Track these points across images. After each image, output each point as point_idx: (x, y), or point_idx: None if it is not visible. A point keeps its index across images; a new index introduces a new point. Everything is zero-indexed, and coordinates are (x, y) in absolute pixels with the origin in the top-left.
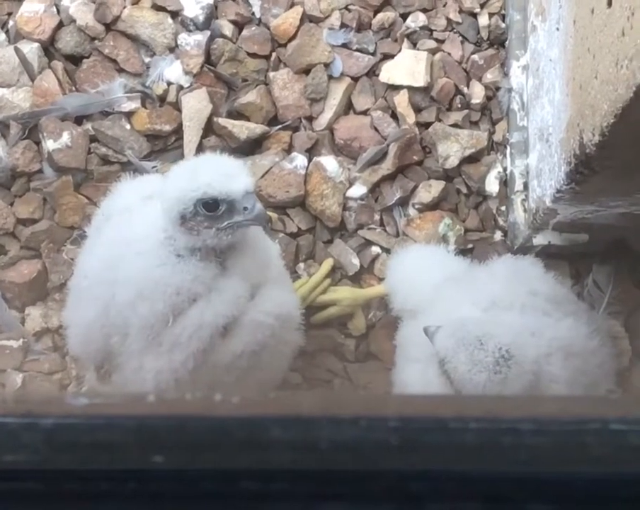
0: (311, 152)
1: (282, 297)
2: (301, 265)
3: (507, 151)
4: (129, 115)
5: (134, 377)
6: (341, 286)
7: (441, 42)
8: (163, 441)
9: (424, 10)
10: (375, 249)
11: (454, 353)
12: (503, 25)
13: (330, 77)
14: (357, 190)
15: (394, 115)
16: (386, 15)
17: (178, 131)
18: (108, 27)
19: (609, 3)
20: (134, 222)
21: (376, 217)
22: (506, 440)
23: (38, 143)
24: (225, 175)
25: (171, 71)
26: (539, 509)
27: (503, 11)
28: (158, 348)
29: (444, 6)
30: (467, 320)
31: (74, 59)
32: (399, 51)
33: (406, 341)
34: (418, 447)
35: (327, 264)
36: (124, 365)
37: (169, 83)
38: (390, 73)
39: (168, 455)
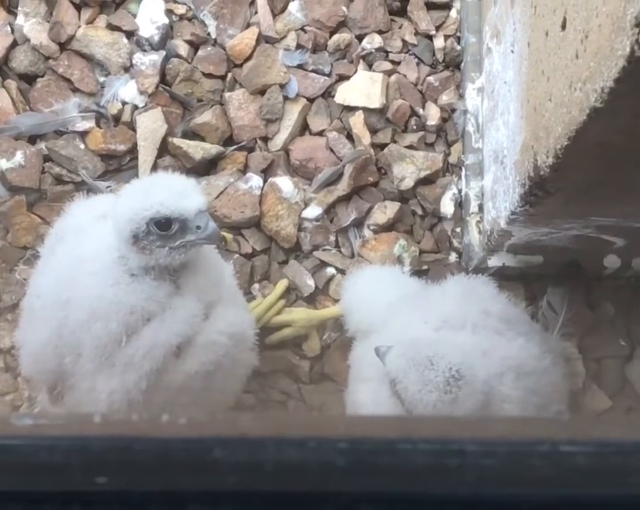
0: (266, 173)
1: (237, 317)
2: (256, 285)
3: (463, 173)
4: (83, 134)
5: (87, 398)
6: (296, 307)
7: (397, 63)
8: (107, 462)
9: (380, 32)
10: (330, 270)
11: (404, 374)
12: (459, 48)
13: (286, 98)
14: (313, 211)
15: (350, 136)
16: (342, 37)
17: (133, 151)
18: (63, 46)
19: (563, 26)
20: (87, 242)
21: (332, 238)
22: (455, 462)
23: None
24: (178, 194)
25: (126, 90)
26: None
27: (458, 34)
28: (112, 369)
29: (399, 28)
30: (418, 340)
31: (28, 79)
32: (355, 72)
33: (358, 362)
34: (366, 468)
35: (281, 285)
36: (76, 386)
37: (124, 103)
38: (345, 94)
39: (112, 476)
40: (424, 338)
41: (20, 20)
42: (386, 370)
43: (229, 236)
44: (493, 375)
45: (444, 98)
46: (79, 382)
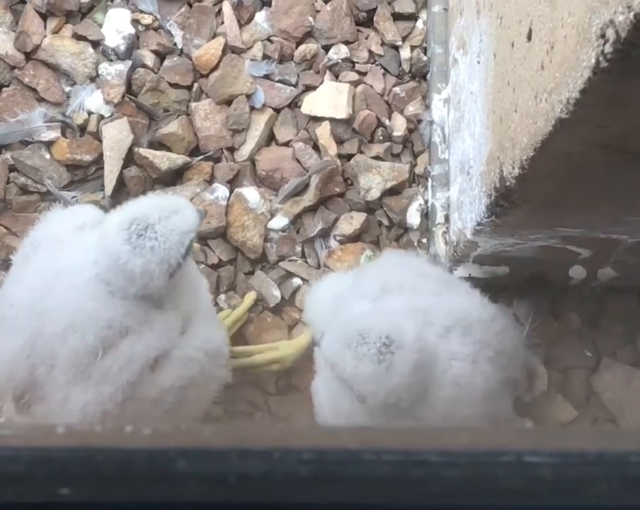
0: (232, 183)
1: (212, 333)
2: (222, 296)
3: (429, 183)
4: (49, 144)
5: (60, 410)
6: (280, 341)
7: (363, 74)
8: (70, 473)
9: (346, 43)
10: (296, 281)
11: (340, 355)
12: (425, 58)
13: (252, 108)
14: (279, 222)
15: (316, 147)
16: (309, 47)
17: (99, 161)
18: (28, 56)
19: (529, 37)
20: (66, 254)
21: (298, 248)
22: (419, 473)
23: None
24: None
25: (92, 100)
26: None
27: (424, 44)
28: (87, 381)
29: (366, 38)
30: (349, 318)
31: None
32: (321, 83)
33: (318, 363)
34: (331, 479)
35: (250, 298)
36: (48, 397)
37: (90, 113)
38: (312, 104)
39: (75, 487)
40: (356, 314)
41: None
42: (324, 357)
43: (196, 246)
44: (434, 333)
45: (411, 109)
46: (51, 394)
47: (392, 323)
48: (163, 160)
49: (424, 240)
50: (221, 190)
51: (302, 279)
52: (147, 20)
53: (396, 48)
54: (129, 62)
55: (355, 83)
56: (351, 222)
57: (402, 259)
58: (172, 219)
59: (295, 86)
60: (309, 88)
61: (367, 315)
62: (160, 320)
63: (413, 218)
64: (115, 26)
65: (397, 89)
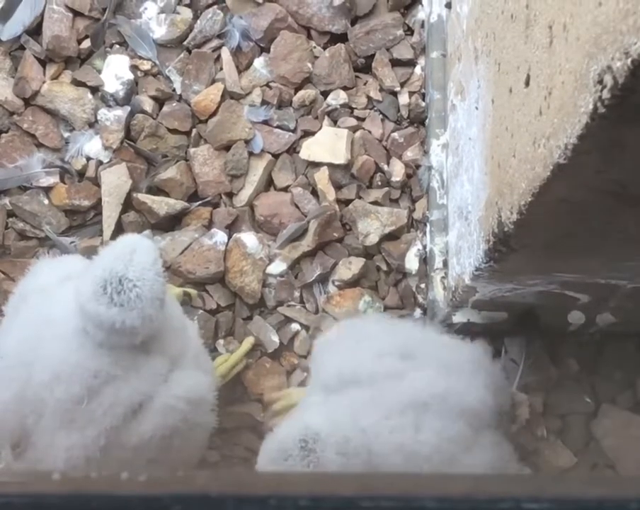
0: (231, 228)
1: (195, 380)
2: (221, 341)
3: (427, 228)
4: (47, 190)
5: (46, 455)
6: (292, 387)
7: (361, 119)
8: None
9: (345, 88)
10: (295, 326)
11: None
12: (423, 104)
13: (251, 154)
14: (277, 267)
15: (315, 192)
16: (307, 93)
17: (97, 206)
18: (27, 102)
19: (527, 83)
20: (51, 304)
21: (296, 293)
22: None
23: None
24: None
25: (91, 146)
26: None
27: (422, 90)
28: (71, 425)
29: (364, 84)
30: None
31: None
32: (320, 128)
33: None
34: None
35: (248, 342)
36: (36, 443)
37: (88, 159)
38: (310, 150)
39: None
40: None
41: None
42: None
43: (193, 292)
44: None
45: (409, 154)
46: (39, 440)
47: (300, 424)
48: (162, 205)
49: (422, 285)
50: (219, 236)
51: (301, 324)
52: (146, 66)
53: (395, 94)
54: (128, 108)
55: (353, 129)
56: (349, 268)
57: (367, 331)
58: (135, 259)
59: (294, 131)
60: (308, 134)
61: (282, 427)
62: (146, 365)
63: (412, 263)
64: (114, 72)
65: (395, 135)
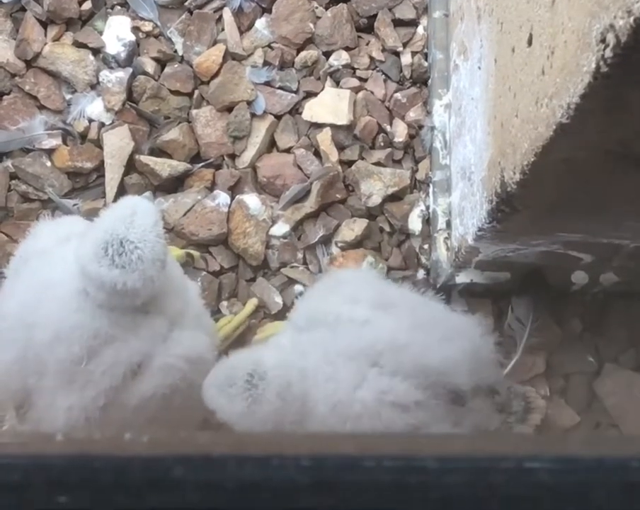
0: (233, 190)
1: (195, 340)
2: (224, 303)
3: (430, 189)
4: (49, 152)
5: (46, 415)
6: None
7: (364, 80)
8: (68, 481)
9: (347, 49)
10: (298, 287)
11: (213, 399)
12: (426, 64)
13: (253, 115)
14: (280, 229)
15: (317, 153)
16: (309, 54)
17: (100, 169)
18: (29, 63)
19: (530, 42)
20: (52, 266)
21: (299, 255)
22: (418, 479)
23: None
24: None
25: (93, 108)
26: None
27: (425, 50)
28: (71, 385)
29: (367, 44)
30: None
31: None
32: (322, 89)
33: None
34: (330, 486)
35: (251, 304)
36: (37, 403)
37: (90, 121)
38: (313, 111)
39: (73, 495)
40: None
41: None
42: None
43: (196, 254)
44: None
45: (412, 115)
46: (39, 400)
47: (255, 358)
48: (164, 167)
49: (425, 246)
50: (222, 197)
51: (304, 286)
52: (147, 27)
53: (397, 54)
54: (130, 69)
55: (355, 90)
56: (352, 229)
57: (345, 279)
58: (136, 220)
59: (296, 92)
60: (310, 95)
61: (237, 356)
62: (145, 326)
63: (415, 224)
64: (116, 33)
65: (398, 95)
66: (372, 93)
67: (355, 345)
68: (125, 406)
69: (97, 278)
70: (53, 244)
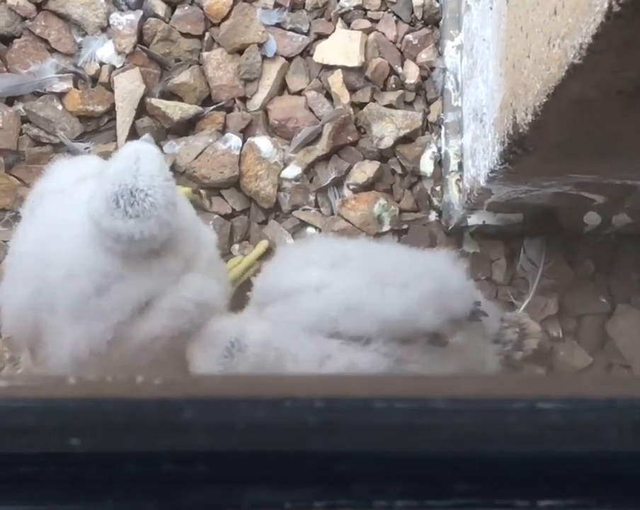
0: (245, 133)
1: (206, 285)
2: (236, 246)
3: (442, 131)
4: (61, 95)
5: (54, 349)
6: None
7: (375, 21)
8: (80, 424)
9: None
10: (310, 230)
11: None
12: (437, 5)
13: (264, 57)
14: (292, 171)
15: (329, 96)
16: None
17: (111, 112)
18: (39, 6)
19: None
20: (67, 204)
21: (311, 197)
22: (431, 420)
23: None
24: None
25: (103, 51)
26: (464, 489)
27: None
28: (80, 320)
29: None
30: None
31: (5, 39)
32: (333, 31)
33: None
34: (342, 428)
35: (262, 246)
36: (47, 340)
37: (101, 64)
38: (324, 53)
39: (85, 437)
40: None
41: None
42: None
43: (202, 192)
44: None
45: (423, 56)
46: (49, 336)
47: (241, 328)
48: (176, 110)
49: (437, 188)
50: (233, 140)
51: (316, 228)
52: None
53: None
54: (140, 12)
55: (367, 31)
56: (364, 171)
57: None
58: (142, 167)
59: (307, 34)
60: (321, 37)
61: (228, 320)
62: (158, 265)
63: (427, 166)
64: None
65: (409, 36)
66: (384, 34)
67: (311, 316)
68: (130, 344)
69: (113, 231)
70: (69, 183)
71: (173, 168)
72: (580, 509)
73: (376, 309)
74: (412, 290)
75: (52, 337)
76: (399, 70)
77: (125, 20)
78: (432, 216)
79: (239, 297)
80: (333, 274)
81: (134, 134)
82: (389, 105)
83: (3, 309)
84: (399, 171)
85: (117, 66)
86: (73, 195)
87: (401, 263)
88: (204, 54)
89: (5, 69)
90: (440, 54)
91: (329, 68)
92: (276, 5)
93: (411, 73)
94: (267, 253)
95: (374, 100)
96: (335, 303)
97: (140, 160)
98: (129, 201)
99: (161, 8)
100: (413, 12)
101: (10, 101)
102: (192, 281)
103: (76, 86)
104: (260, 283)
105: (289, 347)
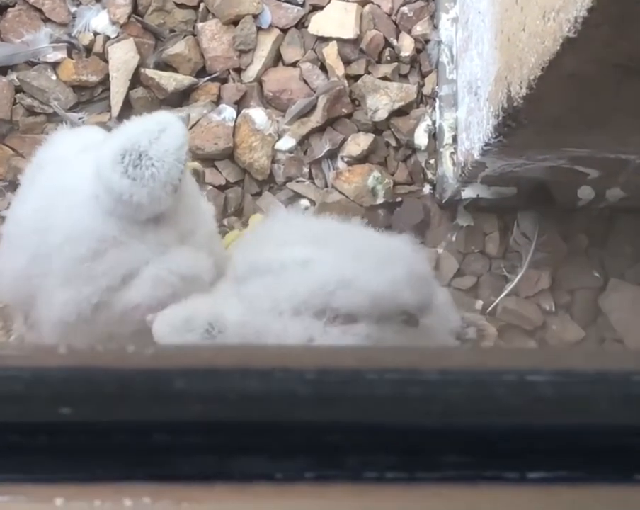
0: (239, 104)
1: (195, 260)
2: (232, 218)
3: (437, 104)
4: (55, 65)
5: (44, 311)
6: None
7: None
8: (71, 393)
9: None
10: (304, 202)
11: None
12: None
13: (259, 28)
14: (286, 143)
15: (323, 67)
16: None
17: (105, 82)
18: None
19: None
20: (68, 174)
21: (305, 169)
22: (422, 392)
23: None
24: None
25: (98, 21)
26: (454, 461)
27: None
28: (71, 283)
29: None
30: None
31: None
32: (328, 2)
33: None
34: (334, 399)
35: (255, 219)
36: (39, 304)
37: (96, 34)
38: (319, 24)
39: (76, 407)
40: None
41: None
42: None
43: (198, 166)
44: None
45: (418, 29)
46: (41, 300)
47: (217, 310)
48: (170, 81)
49: (432, 161)
50: (228, 111)
51: (310, 200)
52: None
53: None
54: None
55: (362, 3)
56: (358, 143)
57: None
58: (162, 139)
59: (302, 5)
60: (316, 8)
61: (196, 301)
62: (153, 235)
63: (421, 139)
64: None
65: (405, 9)
66: (379, 6)
67: (301, 291)
68: (113, 311)
69: (107, 182)
70: (70, 152)
71: None
72: (569, 481)
73: (367, 283)
74: (390, 267)
75: (44, 301)
76: (394, 42)
77: None
78: (426, 189)
79: None
80: (316, 250)
81: (128, 104)
82: (384, 78)
83: (0, 276)
84: (393, 143)
85: (112, 36)
86: (74, 164)
87: (371, 242)
88: (199, 24)
89: None
90: (435, 27)
91: (324, 40)
92: None
93: (406, 45)
94: None
95: (368, 73)
96: (331, 276)
97: (165, 131)
98: (134, 162)
99: None
100: None
101: (3, 71)
102: (180, 254)
103: (70, 55)
104: (241, 257)
105: (271, 327)
